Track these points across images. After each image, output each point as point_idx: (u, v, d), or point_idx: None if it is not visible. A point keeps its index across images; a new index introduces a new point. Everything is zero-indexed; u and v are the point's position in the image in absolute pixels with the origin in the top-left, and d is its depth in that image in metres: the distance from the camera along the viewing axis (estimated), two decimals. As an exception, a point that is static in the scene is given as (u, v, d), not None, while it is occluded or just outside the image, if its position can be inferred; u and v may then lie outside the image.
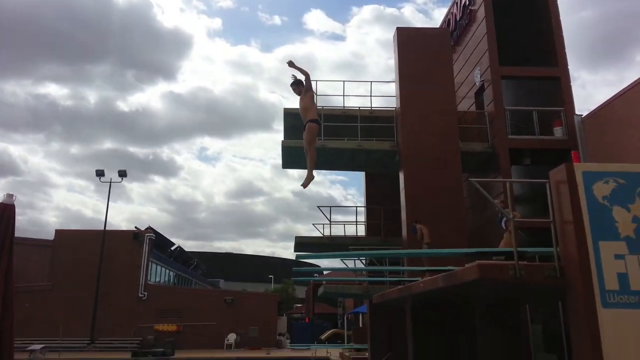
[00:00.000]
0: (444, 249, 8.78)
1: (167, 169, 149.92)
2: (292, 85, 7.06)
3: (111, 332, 27.50)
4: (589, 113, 13.71)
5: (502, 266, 6.19)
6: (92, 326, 27.24)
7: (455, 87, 15.97)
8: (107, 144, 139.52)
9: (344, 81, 16.28)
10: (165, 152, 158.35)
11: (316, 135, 7.11)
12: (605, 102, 13.01)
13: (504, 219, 9.90)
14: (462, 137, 15.01)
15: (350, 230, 19.77)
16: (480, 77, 15.58)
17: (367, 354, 17.89)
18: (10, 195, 3.30)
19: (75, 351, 24.86)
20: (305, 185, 6.85)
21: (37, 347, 21.52)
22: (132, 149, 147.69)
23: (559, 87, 14.67)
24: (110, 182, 29.71)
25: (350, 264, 18.52)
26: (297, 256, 7.37)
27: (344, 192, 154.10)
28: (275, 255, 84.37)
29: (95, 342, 26.79)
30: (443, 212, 13.29)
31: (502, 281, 6.03)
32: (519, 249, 6.38)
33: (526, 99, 16.34)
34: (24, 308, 24.72)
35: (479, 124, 15.48)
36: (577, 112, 14.22)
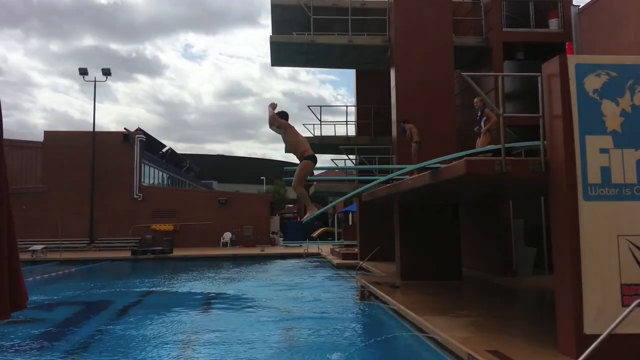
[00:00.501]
0: (432, 160, 8.81)
1: (152, 68, 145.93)
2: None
3: (109, 232, 28.30)
4: (586, 4, 13.15)
5: (488, 162, 6.25)
6: (90, 226, 27.99)
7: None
8: (88, 41, 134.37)
9: (333, -30, 15.34)
10: (148, 49, 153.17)
11: (308, 174, 6.86)
12: (605, -8, 12.42)
13: (484, 118, 9.88)
14: (456, 31, 14.50)
15: (341, 131, 19.70)
16: (478, -37, 14.72)
17: (356, 249, 18.73)
18: None
19: (75, 251, 25.77)
20: (304, 221, 7.10)
21: (39, 247, 22.25)
22: (114, 46, 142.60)
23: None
24: (95, 81, 29.00)
25: (340, 164, 18.76)
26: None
27: (334, 92, 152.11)
28: (267, 157, 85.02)
29: (94, 242, 27.69)
30: (434, 108, 13.19)
31: (488, 176, 6.12)
32: (507, 145, 6.41)
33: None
34: (22, 210, 25.16)
35: (474, 16, 14.89)
36: (574, 2, 13.68)
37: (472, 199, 12.10)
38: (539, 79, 5.80)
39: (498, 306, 8.55)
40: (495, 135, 9.98)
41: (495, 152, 7.25)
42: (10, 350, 6.98)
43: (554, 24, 13.78)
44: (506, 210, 12.47)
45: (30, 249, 21.84)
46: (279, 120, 6.69)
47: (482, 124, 9.91)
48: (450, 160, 7.90)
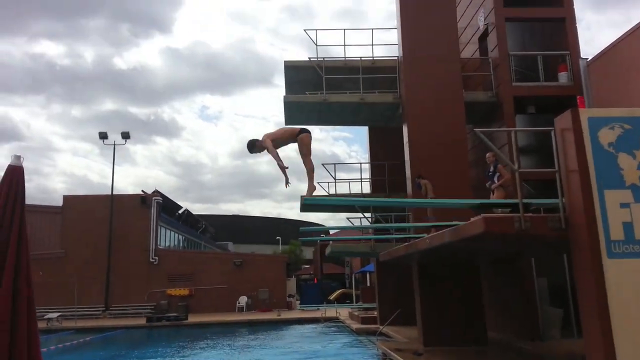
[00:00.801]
0: (448, 200, 8.62)
1: (169, 130, 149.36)
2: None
3: (124, 298, 28.00)
4: (595, 56, 13.25)
5: (507, 219, 6.09)
6: (105, 293, 27.76)
7: (458, 31, 15.48)
8: (108, 105, 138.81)
9: (344, 29, 15.77)
10: (166, 111, 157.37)
11: (310, 144, 6.58)
12: (612, 44, 12.53)
13: (497, 174, 9.74)
14: (466, 86, 14.65)
15: (356, 188, 19.61)
16: (484, 19, 15.07)
17: (375, 312, 18.16)
18: (17, 157, 3.21)
19: (90, 318, 25.46)
20: (307, 196, 6.63)
21: (54, 315, 22.03)
22: (133, 110, 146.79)
23: (563, 29, 14.18)
24: (114, 144, 29.62)
25: (356, 222, 18.57)
26: (303, 202, 7.11)
27: (347, 149, 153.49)
28: (282, 217, 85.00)
29: (109, 309, 27.37)
30: (447, 165, 13.08)
31: (507, 234, 5.95)
32: (524, 200, 6.25)
33: (530, 44, 15.84)
34: (38, 276, 25.13)
35: (483, 72, 15.09)
36: (582, 55, 13.80)
37: (493, 257, 11.74)
38: (552, 133, 5.72)
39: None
40: (511, 191, 9.81)
41: (513, 207, 7.05)
42: None
43: (563, 77, 13.86)
44: (528, 268, 12.02)
45: (45, 317, 21.63)
46: (272, 149, 6.49)
47: (496, 179, 9.76)
48: (468, 216, 7.67)
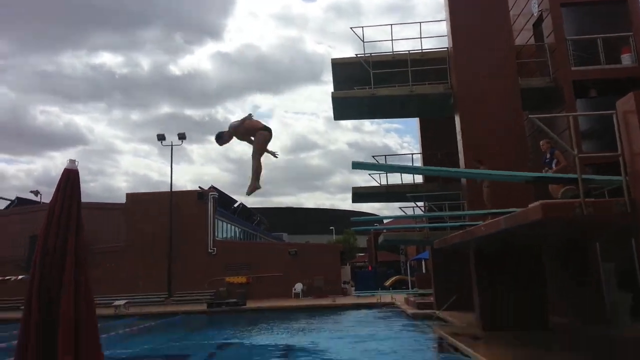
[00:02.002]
0: (503, 172, 8.40)
1: (223, 129, 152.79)
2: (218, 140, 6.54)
3: (186, 286, 29.23)
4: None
5: (567, 204, 6.01)
6: (168, 281, 29.07)
7: (511, 20, 15.12)
8: (165, 108, 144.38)
9: (391, 24, 15.79)
10: (219, 112, 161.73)
11: (265, 143, 6.27)
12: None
13: (554, 160, 9.51)
14: (521, 73, 14.32)
15: (407, 179, 19.58)
16: (538, 6, 14.64)
17: (431, 298, 18.15)
18: (72, 161, 3.46)
19: (155, 305, 26.74)
20: (248, 193, 6.29)
21: (121, 302, 23.32)
22: (188, 112, 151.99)
23: (626, 10, 13.58)
24: (172, 145, 30.88)
25: (409, 211, 18.56)
26: (353, 164, 6.88)
27: (399, 140, 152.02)
28: (335, 208, 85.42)
29: (172, 296, 28.66)
30: (503, 154, 12.89)
31: (567, 220, 5.89)
32: (584, 176, 6.10)
33: (589, 27, 15.25)
34: (107, 267, 26.64)
35: (539, 58, 14.68)
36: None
37: (554, 242, 11.51)
38: (614, 116, 5.63)
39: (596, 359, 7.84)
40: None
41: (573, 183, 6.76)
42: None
43: (627, 59, 13.32)
44: (594, 253, 11.69)
45: (113, 304, 22.92)
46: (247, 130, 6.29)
47: (553, 165, 9.56)
48: (527, 204, 7.60)
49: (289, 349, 12.19)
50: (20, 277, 21.69)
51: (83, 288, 2.80)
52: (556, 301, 12.26)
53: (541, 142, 9.97)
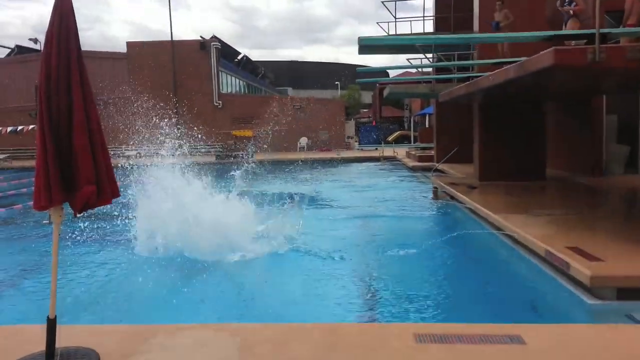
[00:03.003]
0: (518, 33, 8.04)
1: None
2: None
3: (193, 138, 29.73)
4: None
5: (580, 50, 5.74)
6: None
7: None
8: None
9: None
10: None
11: None
12: None
13: (573, 2, 8.88)
14: None
15: (417, 28, 18.62)
16: None
17: (432, 151, 18.47)
18: None
19: (163, 156, 27.53)
20: None
21: (133, 152, 23.94)
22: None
23: None
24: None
25: (415, 63, 18.00)
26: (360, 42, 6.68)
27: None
28: (340, 62, 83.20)
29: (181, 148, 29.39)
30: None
31: (579, 67, 5.65)
32: (602, 30, 5.78)
33: None
34: (112, 118, 26.83)
35: None
36: None
37: (559, 94, 11.31)
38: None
39: (583, 205, 8.15)
40: (587, 24, 9.03)
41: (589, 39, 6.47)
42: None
43: None
44: (598, 105, 11.55)
45: (126, 154, 23.55)
46: None
47: (573, 6, 8.95)
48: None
49: (293, 197, 12.75)
50: (31, 127, 21.91)
51: (98, 131, 2.75)
52: (558, 154, 12.45)
53: None
